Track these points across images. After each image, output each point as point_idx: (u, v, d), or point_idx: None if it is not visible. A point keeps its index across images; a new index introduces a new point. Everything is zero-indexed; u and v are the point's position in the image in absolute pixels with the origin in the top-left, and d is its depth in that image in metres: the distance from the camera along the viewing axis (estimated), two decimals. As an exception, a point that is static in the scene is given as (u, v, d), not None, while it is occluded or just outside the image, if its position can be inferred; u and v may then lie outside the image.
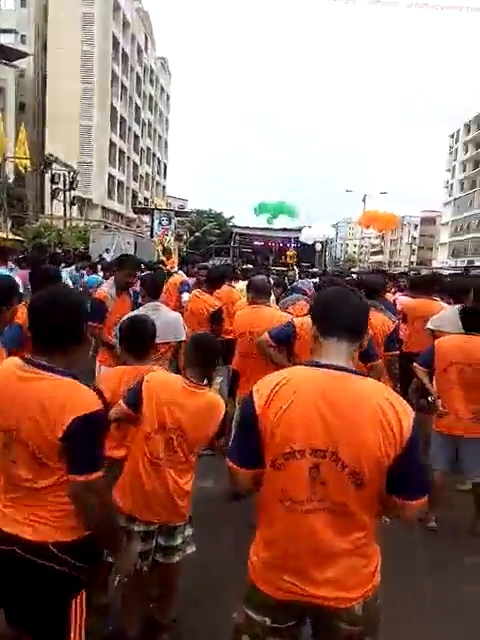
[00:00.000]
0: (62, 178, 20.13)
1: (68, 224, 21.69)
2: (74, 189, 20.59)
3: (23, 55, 35.12)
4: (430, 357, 3.57)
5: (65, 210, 21.40)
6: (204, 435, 2.26)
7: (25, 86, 38.47)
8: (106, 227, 23.59)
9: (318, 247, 27.09)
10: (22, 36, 39.51)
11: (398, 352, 4.00)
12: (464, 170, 61.41)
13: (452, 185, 63.36)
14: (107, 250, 17.88)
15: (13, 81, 34.87)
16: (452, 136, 65.48)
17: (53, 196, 20.84)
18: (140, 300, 4.47)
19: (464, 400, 3.42)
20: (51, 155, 19.59)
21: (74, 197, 21.28)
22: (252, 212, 25.74)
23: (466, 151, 60.97)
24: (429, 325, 4.48)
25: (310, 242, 26.21)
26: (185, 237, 57.35)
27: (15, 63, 35.00)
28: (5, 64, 33.41)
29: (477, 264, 44.61)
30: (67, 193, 20.73)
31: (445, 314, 4.40)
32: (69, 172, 20.32)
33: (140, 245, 20.80)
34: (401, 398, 1.45)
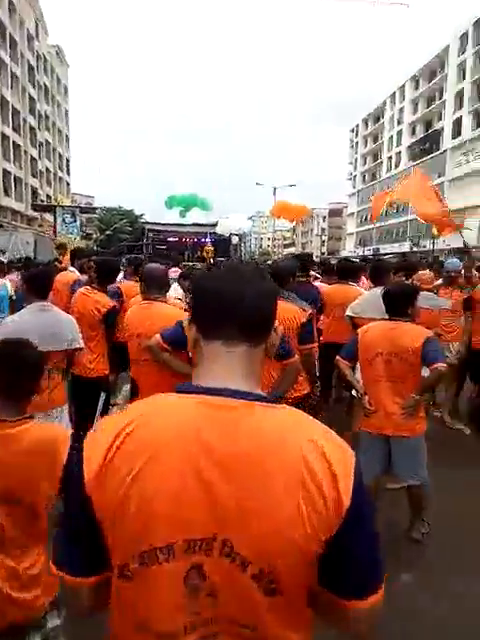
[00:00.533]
0: None
1: None
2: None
3: None
4: (353, 348, 3.22)
5: None
6: (36, 488, 1.54)
7: None
8: (1, 226, 21.54)
9: (234, 240, 26.81)
10: None
11: (315, 345, 3.56)
12: (365, 163, 64.40)
13: (355, 177, 66.21)
14: (2, 251, 16.29)
15: None
16: (352, 130, 68.37)
17: None
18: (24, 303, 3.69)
19: (392, 394, 3.04)
20: None
21: None
22: (164, 207, 24.84)
23: (365, 145, 63.96)
24: (348, 312, 4.24)
25: (227, 234, 25.85)
26: (95, 236, 55.21)
27: None
28: None
29: (382, 252, 47.10)
30: None
31: (365, 298, 4.14)
32: None
33: (41, 244, 19.29)
34: (337, 438, 0.89)
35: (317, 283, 5.90)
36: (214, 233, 28.61)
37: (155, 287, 3.12)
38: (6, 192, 39.08)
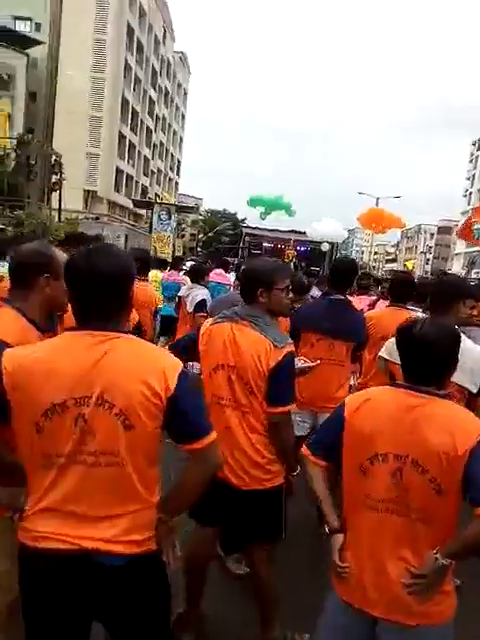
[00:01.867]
0: (53, 167, 19.41)
1: (50, 214, 20.95)
2: (56, 174, 19.84)
3: (37, 43, 34.58)
4: (331, 436, 1.77)
5: (44, 197, 20.68)
6: None
7: (36, 75, 37.86)
8: (96, 218, 22.77)
9: (325, 247, 26.03)
10: (37, 24, 38.98)
11: (292, 407, 2.32)
12: (484, 179, 59.72)
13: (471, 194, 61.65)
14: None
15: (23, 69, 34.21)
16: (474, 144, 63.77)
17: (52, 188, 20.20)
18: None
19: (396, 544, 1.64)
20: (25, 136, 18.87)
21: (54, 183, 20.51)
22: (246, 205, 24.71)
23: (487, 159, 59.29)
24: (382, 352, 3.06)
25: (318, 239, 25.13)
26: (200, 236, 57.03)
27: (28, 51, 34.53)
28: (18, 51, 32.88)
29: (492, 276, 43.17)
30: (53, 179, 20.00)
31: None
32: (51, 157, 19.55)
33: (133, 238, 20.02)
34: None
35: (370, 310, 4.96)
36: (310, 242, 28.11)
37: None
38: (117, 188, 41.49)
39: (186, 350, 2.37)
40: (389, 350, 2.93)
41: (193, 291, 5.16)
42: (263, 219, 23.86)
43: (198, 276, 5.60)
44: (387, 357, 2.97)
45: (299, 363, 2.88)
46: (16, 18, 38.34)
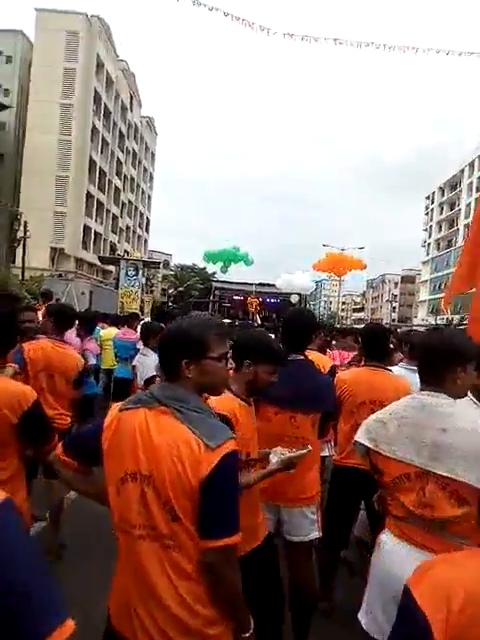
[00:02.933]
0: (11, 224, 19.24)
1: (7, 272, 20.59)
2: (16, 231, 19.69)
3: (3, 108, 35.46)
4: None
5: (9, 255, 20.43)
6: None
7: (4, 137, 38.57)
8: (60, 275, 22.57)
9: (294, 299, 26.37)
10: (5, 90, 40.14)
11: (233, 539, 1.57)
12: (440, 230, 62.67)
13: (429, 244, 64.42)
14: (57, 299, 16.71)
15: (-9, 132, 34.86)
16: (428, 197, 67.32)
17: (11, 245, 19.96)
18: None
19: None
20: None
21: (13, 240, 20.34)
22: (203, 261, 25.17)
23: (441, 212, 62.49)
24: (360, 436, 2.06)
25: (289, 290, 25.47)
26: (171, 291, 57.06)
27: (-4, 115, 35.35)
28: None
29: (455, 322, 44.38)
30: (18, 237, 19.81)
31: (403, 409, 1.99)
32: (11, 213, 19.44)
33: (97, 295, 19.71)
34: None
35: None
36: (278, 294, 28.51)
37: None
38: (85, 246, 41.61)
39: (83, 452, 1.62)
40: (372, 433, 1.96)
41: (146, 360, 4.45)
42: (224, 272, 24.19)
43: (148, 337, 4.68)
44: (368, 445, 1.96)
45: (276, 456, 2.12)
46: (-16, 85, 39.52)
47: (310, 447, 2.24)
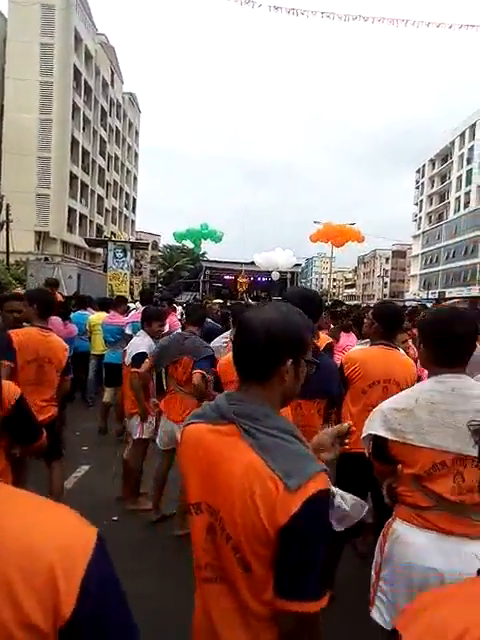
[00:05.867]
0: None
1: None
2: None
3: (-21, 86, 34.18)
4: None
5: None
6: None
7: (-19, 118, 37.21)
8: (46, 259, 21.96)
9: (275, 276, 25.92)
10: (-20, 68, 38.65)
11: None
12: (431, 204, 62.23)
13: (420, 218, 64.00)
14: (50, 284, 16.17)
15: (-33, 112, 33.61)
16: (418, 171, 66.65)
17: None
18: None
19: None
20: None
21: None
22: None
23: (432, 185, 61.96)
24: (371, 428, 1.88)
25: (270, 269, 25.05)
26: (159, 272, 56.37)
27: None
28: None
29: (448, 295, 44.34)
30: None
31: (422, 393, 1.84)
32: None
33: (85, 278, 19.17)
34: None
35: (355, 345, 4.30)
36: (269, 272, 28.15)
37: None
38: (70, 228, 40.66)
39: None
40: (395, 423, 1.77)
41: (137, 340, 4.24)
42: (198, 251, 23.78)
43: (150, 322, 4.31)
44: (389, 436, 1.78)
45: (343, 503, 1.29)
46: (-43, 63, 37.96)
47: (350, 422, 1.78)
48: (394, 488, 1.86)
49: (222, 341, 4.77)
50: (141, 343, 4.08)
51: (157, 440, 3.97)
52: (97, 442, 5.91)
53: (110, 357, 6.24)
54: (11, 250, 24.41)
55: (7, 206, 19.77)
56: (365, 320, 3.30)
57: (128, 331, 5.76)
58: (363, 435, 1.90)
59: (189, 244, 23.82)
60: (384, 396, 2.19)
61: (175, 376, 3.79)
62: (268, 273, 27.32)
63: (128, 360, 4.10)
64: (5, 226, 19.54)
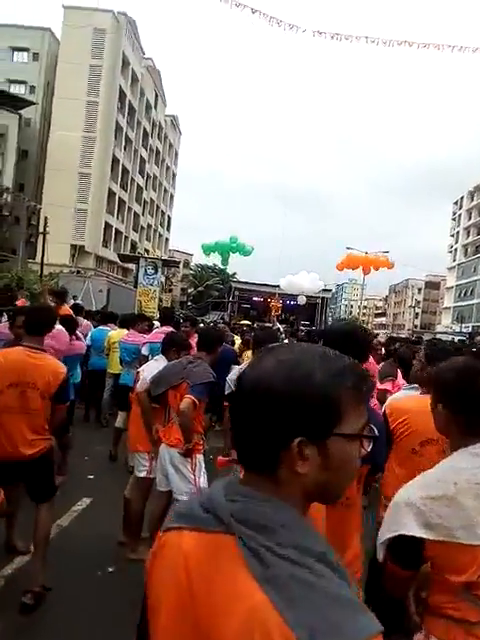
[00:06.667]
0: (29, 219, 18.98)
1: (20, 267, 20.31)
2: (34, 226, 19.43)
3: (28, 104, 35.50)
4: None
5: (33, 251, 20.17)
6: None
7: (29, 134, 38.65)
8: (78, 272, 22.29)
9: (301, 300, 25.59)
10: (31, 87, 40.34)
11: None
12: (468, 236, 61.12)
13: (456, 250, 62.89)
14: (74, 297, 16.35)
15: (15, 128, 34.87)
16: (456, 203, 65.78)
17: (28, 240, 19.71)
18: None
19: None
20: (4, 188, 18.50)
21: (30, 235, 20.10)
22: (202, 254, 24.63)
23: (470, 217, 60.93)
24: (404, 529, 1.41)
25: (295, 292, 24.77)
26: (190, 291, 56.86)
27: (22, 112, 35.41)
28: (8, 111, 33.62)
29: (482, 331, 43.05)
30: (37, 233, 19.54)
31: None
32: (28, 207, 19.18)
33: (115, 293, 19.34)
34: None
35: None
36: (291, 296, 27.89)
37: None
38: (106, 243, 41.47)
39: None
40: (433, 517, 1.35)
41: (152, 365, 3.86)
42: (225, 265, 23.40)
43: (169, 348, 3.89)
44: (428, 537, 1.35)
45: None
46: (11, 81, 39.72)
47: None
48: (425, 598, 1.44)
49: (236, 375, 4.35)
50: (156, 369, 3.68)
51: (156, 480, 3.56)
52: (105, 470, 5.59)
53: (125, 378, 5.90)
54: (46, 261, 24.94)
55: (45, 219, 20.21)
56: (415, 362, 2.78)
57: (144, 352, 5.43)
58: (383, 539, 1.42)
59: (217, 258, 23.62)
60: (440, 459, 1.63)
61: (173, 404, 3.38)
62: (296, 296, 27.10)
63: (140, 386, 3.72)
64: (42, 238, 19.96)
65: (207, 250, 22.63)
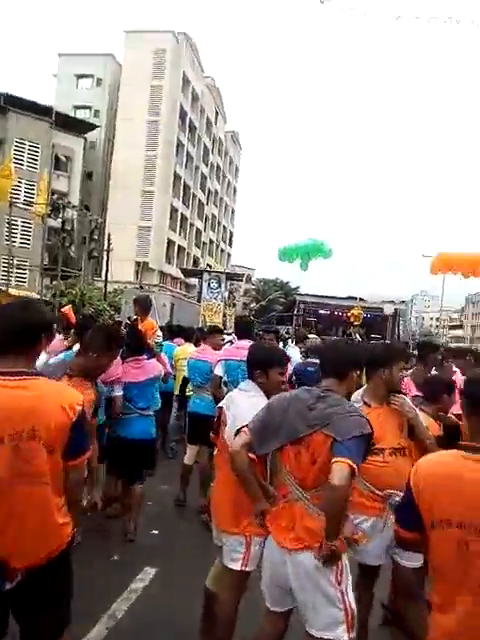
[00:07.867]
0: (91, 234, 18.66)
1: (82, 283, 19.96)
2: (94, 240, 19.06)
3: (93, 128, 36.40)
4: None
5: (97, 268, 19.84)
6: None
7: (94, 156, 39.58)
8: (141, 288, 21.85)
9: (388, 310, 23.64)
10: (96, 111, 41.45)
11: None
12: None
13: None
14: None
15: (81, 151, 35.73)
16: None
17: (90, 256, 19.45)
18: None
19: None
20: (61, 198, 18.25)
21: (91, 250, 19.75)
22: (278, 260, 22.37)
23: None
24: None
25: (378, 303, 22.92)
26: (252, 305, 56.39)
27: (87, 135, 36.38)
28: (74, 135, 34.54)
29: None
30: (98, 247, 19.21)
31: None
32: (91, 222, 18.83)
33: (179, 308, 18.58)
34: None
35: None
36: (368, 307, 26.09)
37: None
38: (168, 260, 41.43)
39: None
40: None
41: (241, 401, 2.49)
42: (305, 270, 21.29)
43: (256, 368, 2.54)
44: None
45: None
46: (77, 107, 41.03)
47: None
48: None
49: None
50: (251, 408, 2.25)
51: (264, 593, 2.17)
52: (173, 520, 4.34)
53: (195, 404, 4.71)
54: (110, 279, 24.81)
55: (108, 236, 19.96)
56: None
57: (218, 372, 4.18)
58: None
59: (289, 268, 21.97)
60: None
61: (292, 467, 2.08)
62: (369, 308, 25.27)
63: (228, 436, 2.34)
64: (107, 255, 19.71)
65: (285, 254, 21.03)
